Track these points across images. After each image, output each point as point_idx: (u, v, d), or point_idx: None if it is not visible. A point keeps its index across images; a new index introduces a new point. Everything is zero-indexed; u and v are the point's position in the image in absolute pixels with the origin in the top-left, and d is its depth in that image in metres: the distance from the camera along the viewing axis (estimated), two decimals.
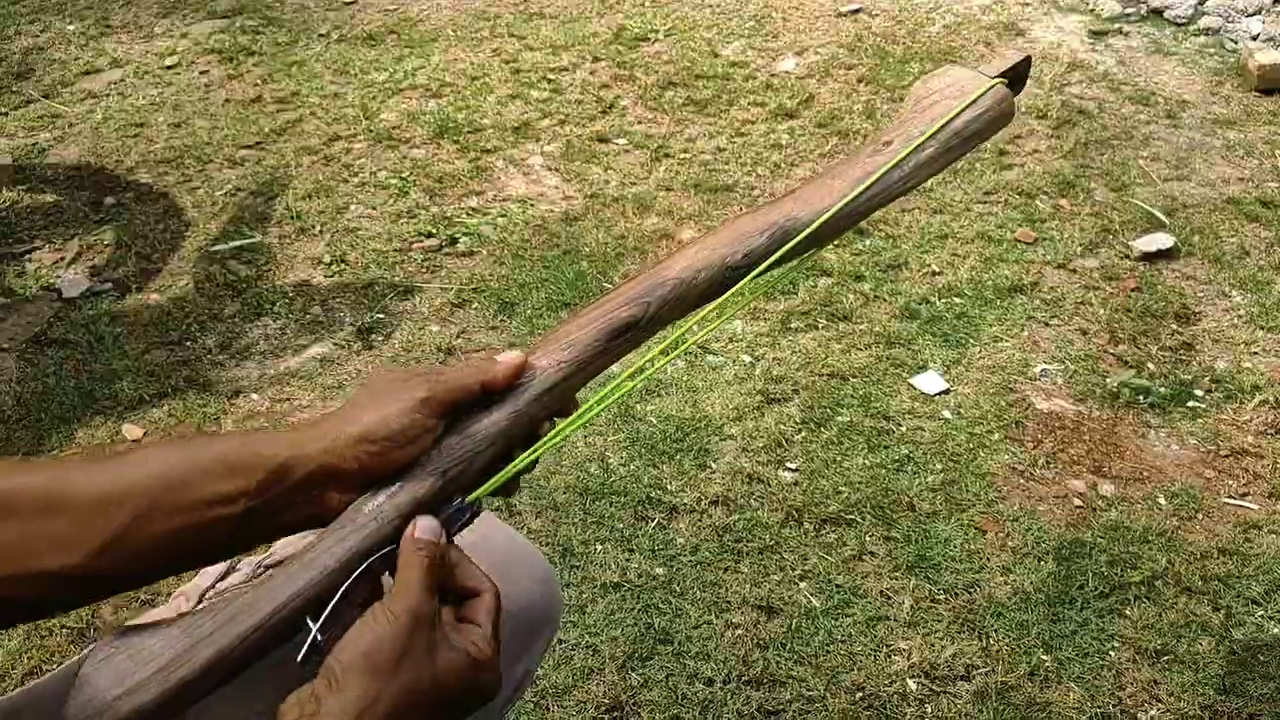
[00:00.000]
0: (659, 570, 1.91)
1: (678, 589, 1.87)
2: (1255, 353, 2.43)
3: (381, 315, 2.50)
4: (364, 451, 0.75)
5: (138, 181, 2.93)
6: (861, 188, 0.91)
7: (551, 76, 3.41)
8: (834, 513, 2.01)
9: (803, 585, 1.89)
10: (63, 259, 2.67)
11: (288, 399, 2.28)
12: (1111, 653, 1.80)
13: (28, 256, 2.68)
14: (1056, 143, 3.10)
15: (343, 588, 0.73)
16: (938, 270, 2.62)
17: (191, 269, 2.63)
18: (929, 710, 1.70)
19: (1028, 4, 3.80)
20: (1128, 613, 1.86)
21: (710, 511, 2.02)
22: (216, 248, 2.70)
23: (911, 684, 1.74)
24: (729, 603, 1.85)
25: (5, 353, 2.38)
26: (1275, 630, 1.84)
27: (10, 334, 2.44)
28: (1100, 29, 3.68)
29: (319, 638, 0.72)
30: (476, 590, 0.76)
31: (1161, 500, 2.07)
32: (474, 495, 0.78)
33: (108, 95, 3.32)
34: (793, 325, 2.46)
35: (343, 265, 2.65)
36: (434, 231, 2.75)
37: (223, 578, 0.96)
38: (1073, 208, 2.86)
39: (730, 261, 0.88)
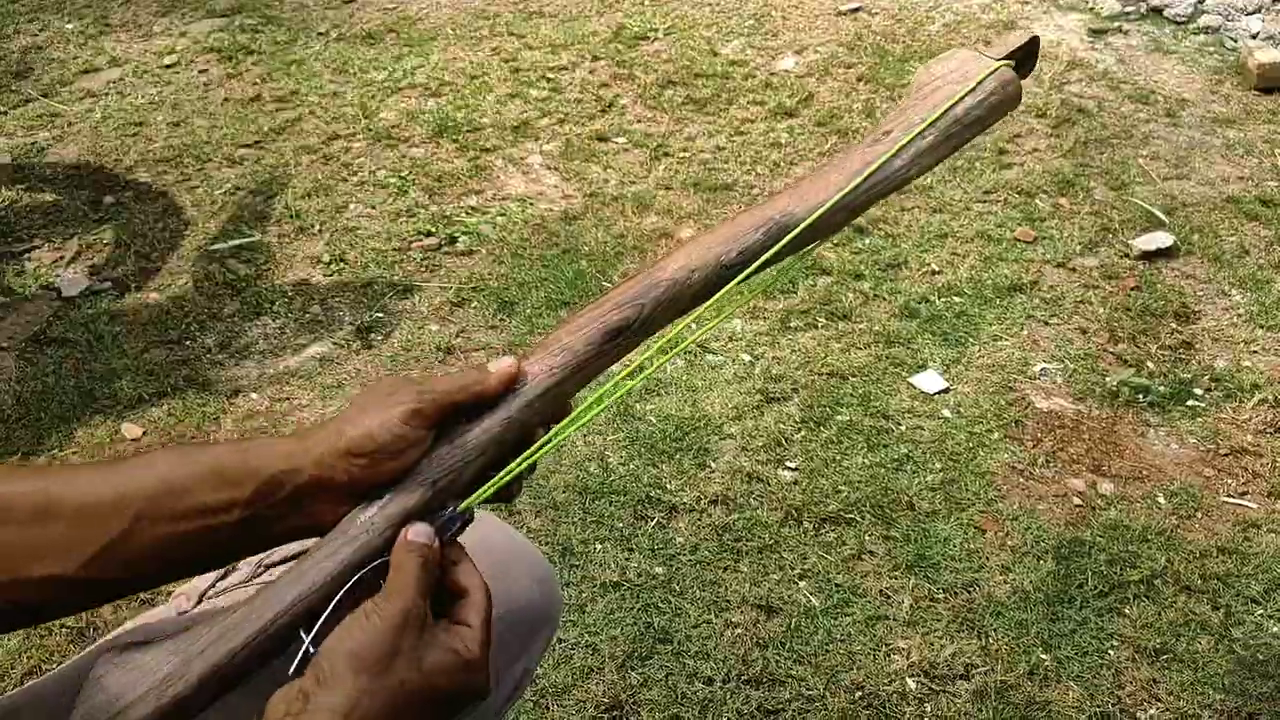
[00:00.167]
0: (658, 569, 1.91)
1: (677, 588, 1.87)
2: (1255, 351, 2.43)
3: (381, 314, 2.50)
4: (353, 465, 0.75)
5: (137, 180, 2.93)
6: (859, 179, 0.88)
7: (551, 75, 3.41)
8: (833, 512, 2.01)
9: (802, 584, 1.89)
10: (62, 258, 2.67)
11: (287, 398, 2.28)
12: (1111, 652, 1.80)
13: (27, 255, 2.68)
14: (1056, 141, 3.10)
15: (334, 599, 0.73)
16: (937, 269, 2.62)
17: (191, 268, 2.63)
18: (928, 709, 1.70)
19: (1027, 2, 3.80)
20: (1127, 612, 1.86)
21: (710, 511, 2.02)
22: (216, 247, 2.70)
23: (911, 683, 1.74)
24: (728, 602, 1.85)
25: (5, 352, 2.38)
26: (1275, 629, 1.84)
27: (10, 333, 2.44)
28: (1100, 27, 3.68)
29: (311, 650, 0.72)
30: (468, 590, 0.76)
31: (1161, 499, 2.08)
32: (465, 504, 0.78)
33: (106, 94, 3.32)
34: (792, 324, 2.46)
35: (342, 264, 2.65)
36: (433, 230, 2.75)
37: (222, 577, 0.96)
38: (1072, 206, 2.86)
39: (725, 260, 0.86)
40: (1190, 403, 2.29)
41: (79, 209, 2.83)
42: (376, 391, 0.78)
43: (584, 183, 2.93)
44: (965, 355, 2.39)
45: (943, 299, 2.53)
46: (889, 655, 1.78)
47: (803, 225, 0.87)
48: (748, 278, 0.87)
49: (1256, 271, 2.64)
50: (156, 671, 0.71)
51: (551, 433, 0.82)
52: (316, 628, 0.72)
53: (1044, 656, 1.78)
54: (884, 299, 2.53)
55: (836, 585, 1.89)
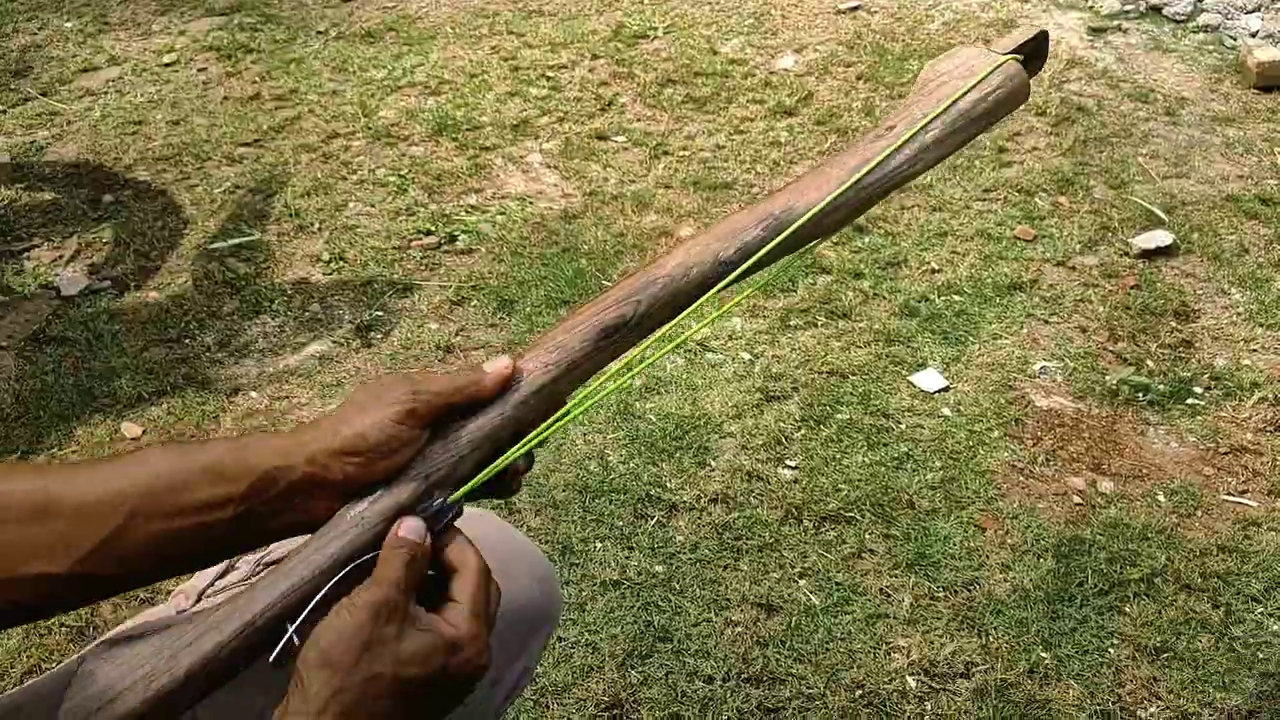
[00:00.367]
0: (658, 568, 1.91)
1: (677, 587, 1.87)
2: (1254, 350, 2.43)
3: (380, 313, 2.50)
4: (347, 463, 0.76)
5: (136, 179, 2.93)
6: (859, 175, 0.87)
7: (550, 74, 3.40)
8: (833, 510, 2.01)
9: (802, 583, 1.89)
10: (61, 257, 2.67)
11: (287, 397, 2.28)
12: (1111, 650, 1.80)
13: (26, 254, 2.68)
14: (1056, 140, 3.10)
15: (322, 591, 0.73)
16: (937, 268, 2.62)
17: (190, 267, 2.63)
18: (928, 707, 1.70)
19: (1027, 0, 3.80)
20: (1127, 610, 1.86)
21: (710, 509, 2.02)
22: (215, 245, 2.69)
23: (911, 681, 1.74)
24: (729, 600, 1.85)
25: (4, 350, 2.38)
26: (1275, 627, 1.84)
27: (9, 332, 2.44)
28: (1099, 26, 3.68)
29: (295, 640, 0.72)
30: (459, 567, 0.76)
31: (1161, 497, 2.07)
32: (455, 495, 0.78)
33: (106, 93, 3.32)
34: (792, 323, 2.46)
35: (341, 263, 2.65)
36: (433, 229, 2.75)
37: (221, 576, 0.96)
38: (1072, 205, 2.85)
39: (723, 257, 0.86)
40: (1190, 401, 2.29)
41: (78, 208, 2.83)
42: (372, 390, 0.78)
43: (584, 181, 2.93)
44: (965, 354, 2.39)
45: (942, 297, 2.53)
46: (889, 653, 1.78)
47: (802, 221, 0.86)
48: (746, 274, 0.86)
49: (1256, 270, 2.64)
50: (144, 665, 0.71)
51: (546, 424, 0.81)
52: (301, 618, 0.72)
53: (1044, 655, 1.78)
54: (884, 297, 2.53)
55: (836, 584, 1.88)
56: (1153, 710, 1.72)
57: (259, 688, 0.71)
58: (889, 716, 1.69)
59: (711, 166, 2.99)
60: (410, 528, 0.75)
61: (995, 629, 1.82)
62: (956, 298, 2.54)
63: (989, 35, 3.60)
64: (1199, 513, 2.05)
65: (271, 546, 0.95)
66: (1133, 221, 2.80)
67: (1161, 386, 2.31)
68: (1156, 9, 3.78)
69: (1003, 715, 1.69)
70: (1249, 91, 3.35)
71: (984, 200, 2.86)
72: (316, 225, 2.77)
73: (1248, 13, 3.72)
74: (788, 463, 2.12)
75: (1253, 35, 3.63)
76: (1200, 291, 2.59)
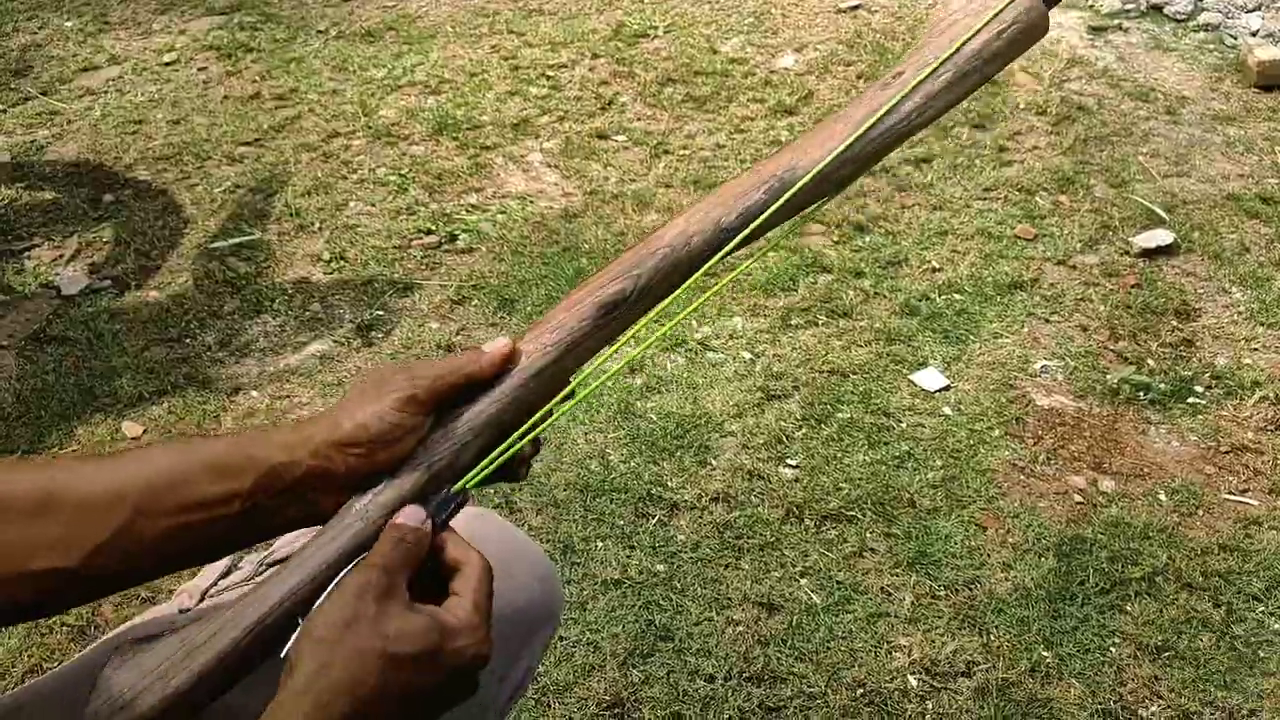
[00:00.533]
0: (660, 567, 1.91)
1: (678, 586, 1.87)
2: (1255, 349, 2.42)
3: (381, 312, 2.50)
4: (350, 455, 0.75)
5: (136, 178, 2.93)
6: (864, 127, 0.82)
7: (550, 73, 3.40)
8: (834, 509, 2.01)
9: (803, 582, 1.89)
10: (62, 256, 2.67)
11: (287, 396, 2.28)
12: (1112, 649, 1.80)
13: (26, 254, 2.68)
14: (1056, 139, 3.10)
15: (330, 585, 0.73)
16: (938, 267, 2.62)
17: (191, 266, 2.63)
18: (930, 706, 1.70)
19: None
20: (1128, 609, 1.86)
21: (711, 508, 2.02)
22: (215, 245, 2.69)
23: (912, 680, 1.74)
24: (730, 599, 1.85)
25: (5, 350, 2.38)
26: (1276, 626, 1.84)
27: (9, 331, 2.43)
28: (1100, 25, 3.68)
29: None
30: (462, 564, 0.75)
31: (1162, 496, 2.07)
32: (459, 484, 0.78)
33: (106, 92, 3.32)
34: (793, 322, 2.45)
35: (342, 262, 2.64)
36: (433, 228, 2.75)
37: (225, 575, 0.96)
38: (1072, 204, 2.85)
39: (724, 223, 0.81)
40: (1191, 400, 2.29)
41: (78, 207, 2.83)
42: (371, 380, 0.78)
43: (584, 180, 2.93)
44: (966, 353, 2.39)
45: (943, 296, 2.53)
46: (890, 652, 1.78)
47: (805, 180, 0.82)
48: (750, 240, 0.82)
49: (1257, 269, 2.64)
50: (160, 665, 0.72)
51: (545, 408, 0.80)
52: (311, 612, 0.72)
53: (1045, 654, 1.78)
54: (884, 296, 2.53)
55: (838, 582, 1.88)
56: (1154, 709, 1.72)
57: (271, 684, 0.70)
58: (890, 715, 1.69)
59: (712, 166, 2.99)
60: (406, 513, 0.75)
61: (996, 628, 1.82)
62: (957, 297, 2.53)
63: None
64: (1200, 512, 2.05)
65: (275, 545, 0.95)
66: (1133, 220, 2.79)
67: (1162, 385, 2.31)
68: (1157, 8, 3.78)
69: (1004, 714, 1.69)
70: (1249, 90, 3.35)
71: (984, 199, 2.86)
72: (317, 224, 2.77)
73: (1248, 12, 3.72)
74: (789, 462, 2.12)
75: (1253, 34, 3.62)
76: (1201, 290, 2.59)
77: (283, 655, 0.71)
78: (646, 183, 2.92)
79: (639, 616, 1.82)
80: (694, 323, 2.45)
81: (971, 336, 2.43)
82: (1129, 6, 3.78)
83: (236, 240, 2.71)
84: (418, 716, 0.71)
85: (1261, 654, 1.80)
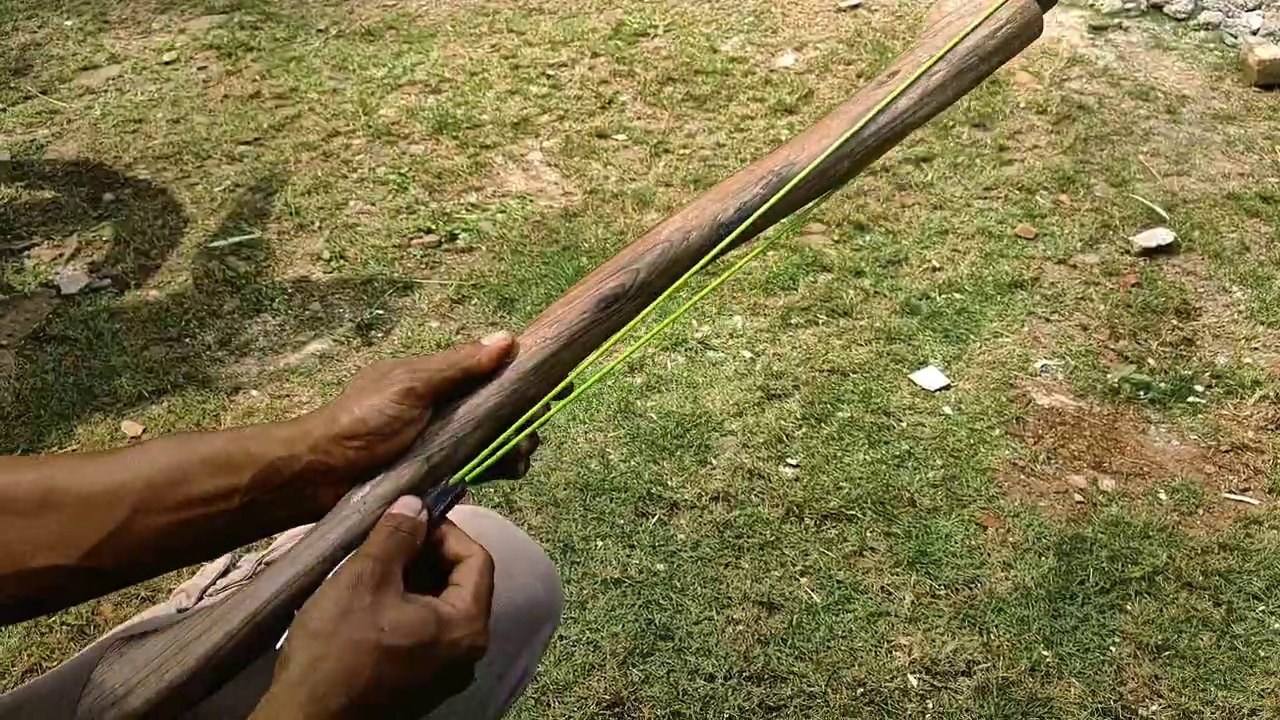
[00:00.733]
0: (660, 566, 1.91)
1: (678, 585, 1.87)
2: (1255, 348, 2.42)
3: (381, 311, 2.49)
4: (349, 448, 0.75)
5: (136, 178, 2.93)
6: (860, 124, 0.84)
7: (550, 72, 3.40)
8: (835, 508, 2.01)
9: (803, 581, 1.89)
10: (61, 255, 2.67)
11: (287, 395, 2.27)
12: (1112, 648, 1.80)
13: (26, 253, 2.68)
14: (1056, 138, 3.09)
15: (327, 578, 0.73)
16: (938, 266, 2.62)
17: (190, 265, 2.63)
18: (930, 706, 1.70)
19: None
20: (1129, 608, 1.86)
21: (711, 507, 2.01)
22: (215, 244, 2.69)
23: (912, 679, 1.74)
24: (730, 599, 1.85)
25: (4, 349, 2.38)
26: (1276, 625, 1.84)
27: (9, 330, 2.43)
28: (1100, 24, 3.68)
29: None
30: (463, 556, 0.75)
31: (1162, 496, 2.07)
32: (457, 477, 0.78)
33: (106, 91, 3.31)
34: (793, 321, 2.45)
35: (342, 261, 2.64)
36: (433, 227, 2.74)
37: (223, 574, 0.96)
38: (1073, 203, 2.85)
39: (722, 218, 0.82)
40: (1191, 399, 2.29)
41: (78, 206, 2.83)
42: (370, 375, 0.78)
43: (584, 179, 2.93)
44: (966, 352, 2.38)
45: (943, 296, 2.53)
46: (891, 652, 1.78)
47: (802, 175, 0.83)
48: (747, 236, 0.83)
49: (1257, 268, 2.64)
50: (153, 660, 0.72)
51: (542, 401, 0.80)
52: (305, 604, 0.72)
53: (1046, 653, 1.78)
54: (885, 296, 2.53)
55: (838, 582, 1.88)
56: (1154, 708, 1.71)
57: (265, 678, 0.70)
58: (890, 714, 1.69)
59: (712, 165, 2.98)
60: (402, 503, 0.75)
61: (997, 627, 1.82)
62: (957, 296, 2.53)
63: None
64: (1200, 511, 2.05)
65: (274, 544, 0.95)
66: (1134, 219, 2.79)
67: (1163, 384, 2.31)
68: (1157, 7, 3.78)
69: (1004, 713, 1.69)
70: (1250, 89, 3.35)
71: (985, 198, 2.86)
72: (317, 223, 2.77)
73: (1248, 10, 3.72)
74: (789, 461, 2.12)
75: (1253, 33, 3.62)
76: (1201, 289, 2.59)
77: (277, 647, 0.71)
78: (646, 182, 2.92)
79: (639, 616, 1.82)
80: (694, 321, 2.45)
81: (972, 336, 2.43)
82: (1129, 5, 3.78)
83: (236, 239, 2.71)
84: (413, 708, 0.71)
85: (1262, 653, 1.79)
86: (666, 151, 3.04)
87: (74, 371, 2.31)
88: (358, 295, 2.54)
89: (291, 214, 2.79)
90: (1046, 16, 0.92)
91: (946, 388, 2.29)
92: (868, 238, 2.71)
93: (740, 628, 1.81)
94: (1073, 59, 3.47)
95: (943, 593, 1.87)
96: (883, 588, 1.88)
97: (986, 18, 0.87)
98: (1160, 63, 3.50)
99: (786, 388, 2.28)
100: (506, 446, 0.79)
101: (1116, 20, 3.71)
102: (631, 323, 0.82)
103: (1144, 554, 1.95)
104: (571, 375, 0.82)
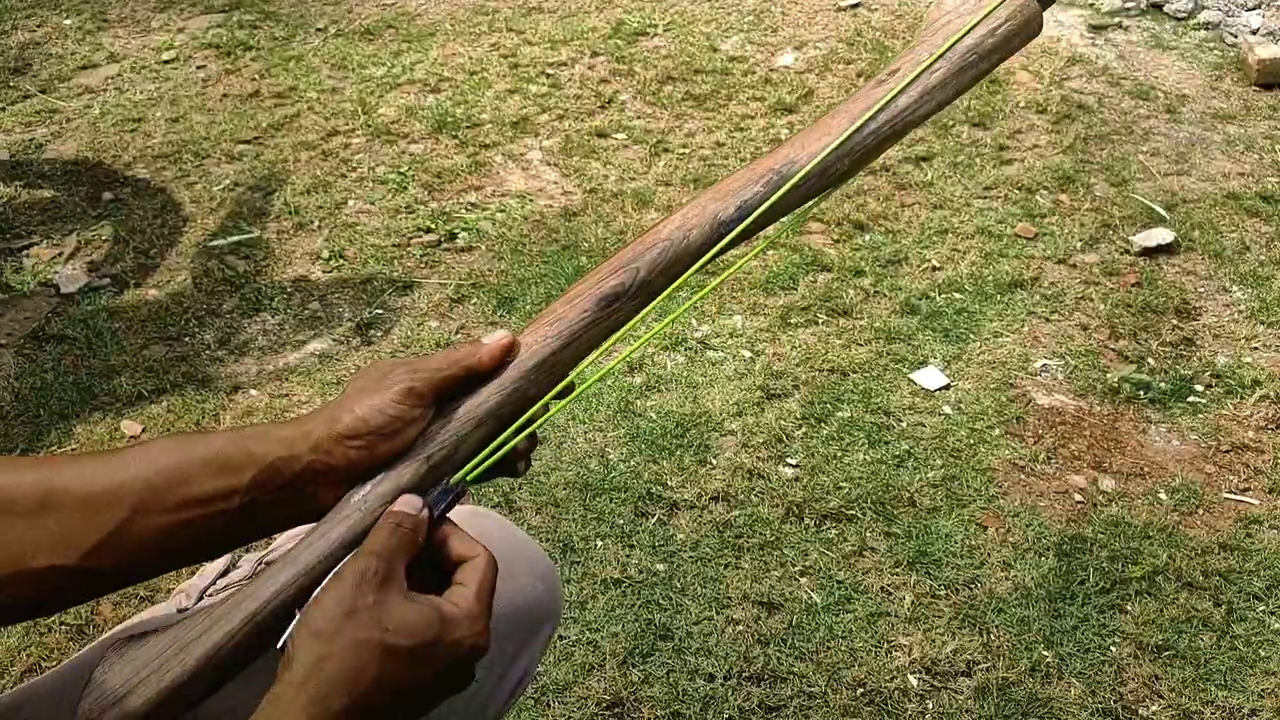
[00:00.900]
0: (659, 566, 1.90)
1: (678, 585, 1.87)
2: (1256, 348, 2.42)
3: (380, 311, 2.49)
4: (350, 448, 0.75)
5: (135, 177, 2.93)
6: (860, 122, 0.84)
7: (550, 71, 3.40)
8: (834, 508, 2.01)
9: (803, 581, 1.89)
10: (60, 254, 2.66)
11: (287, 394, 2.27)
12: (1112, 648, 1.79)
13: (25, 252, 2.67)
14: (1056, 138, 3.09)
15: (327, 577, 0.73)
16: (938, 265, 2.62)
17: (189, 264, 2.62)
18: (930, 706, 1.70)
19: None
20: (1129, 608, 1.86)
21: (711, 507, 2.01)
22: (214, 243, 2.69)
23: (913, 680, 1.74)
24: (730, 599, 1.85)
25: (3, 348, 2.38)
26: (1276, 626, 1.84)
27: (8, 330, 2.43)
28: (1100, 23, 3.68)
29: None
30: (466, 556, 0.75)
31: (1162, 495, 2.07)
32: (457, 476, 0.78)
33: (105, 90, 3.31)
34: (793, 321, 2.45)
35: (341, 260, 2.64)
36: (433, 227, 2.74)
37: (223, 574, 0.96)
38: (1073, 203, 2.85)
39: (722, 217, 0.82)
40: (1191, 399, 2.29)
41: (77, 205, 2.82)
42: (371, 374, 0.78)
43: (584, 179, 2.93)
44: (966, 352, 2.38)
45: (943, 295, 2.53)
46: (890, 652, 1.78)
47: (803, 173, 0.83)
48: (748, 234, 0.83)
49: (1257, 268, 2.64)
50: (153, 660, 0.71)
51: (544, 400, 0.80)
52: (308, 603, 0.72)
53: (1046, 653, 1.78)
54: (885, 295, 2.53)
55: (838, 582, 1.88)
56: (1154, 708, 1.71)
57: (267, 678, 0.70)
58: (890, 715, 1.69)
59: (712, 164, 2.98)
60: (402, 501, 0.75)
61: (997, 627, 1.81)
62: (957, 295, 2.53)
63: None
64: (1200, 511, 2.04)
65: (274, 544, 0.95)
66: (1134, 219, 2.79)
67: (1163, 384, 2.31)
68: (1157, 6, 3.78)
69: (1004, 713, 1.69)
70: (1249, 89, 3.35)
71: (985, 198, 2.86)
72: (316, 223, 2.76)
73: (1248, 10, 3.72)
74: (789, 460, 2.11)
75: (1253, 32, 3.62)
76: (1201, 289, 2.59)
77: (279, 646, 0.71)
78: (646, 181, 2.91)
79: (638, 616, 1.81)
80: (694, 321, 2.45)
81: (972, 335, 2.42)
82: (1129, 5, 3.77)
83: (235, 238, 2.70)
84: (414, 708, 0.71)
85: (1262, 653, 1.79)
86: (666, 151, 3.04)
87: (73, 371, 2.31)
88: (357, 294, 2.54)
89: (291, 213, 2.79)
90: (1046, 15, 0.92)
91: (946, 387, 2.29)
92: (867, 237, 2.71)
93: (740, 628, 1.81)
94: (1072, 58, 3.47)
95: (943, 593, 1.87)
96: (883, 588, 1.88)
97: (986, 16, 0.87)
98: (1160, 62, 3.50)
99: (786, 387, 2.28)
100: (508, 446, 0.79)
101: (1116, 19, 3.71)
102: (632, 321, 0.82)
103: (1144, 554, 1.95)
104: (572, 374, 0.82)
